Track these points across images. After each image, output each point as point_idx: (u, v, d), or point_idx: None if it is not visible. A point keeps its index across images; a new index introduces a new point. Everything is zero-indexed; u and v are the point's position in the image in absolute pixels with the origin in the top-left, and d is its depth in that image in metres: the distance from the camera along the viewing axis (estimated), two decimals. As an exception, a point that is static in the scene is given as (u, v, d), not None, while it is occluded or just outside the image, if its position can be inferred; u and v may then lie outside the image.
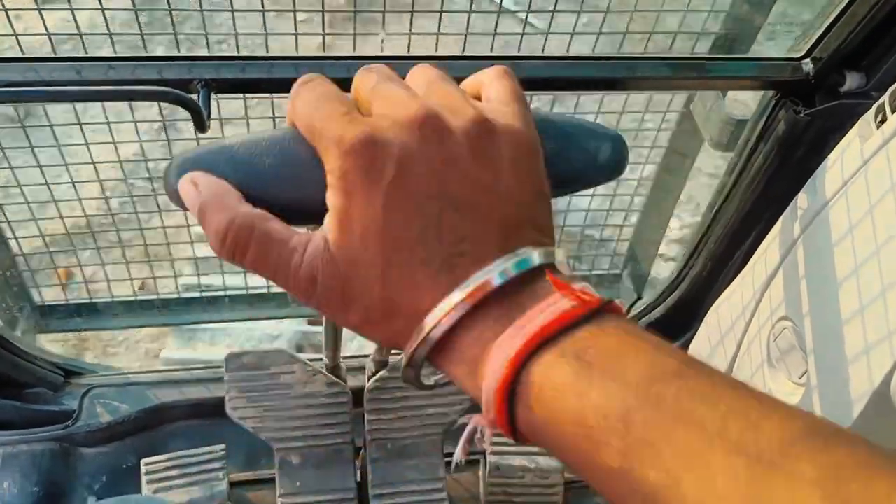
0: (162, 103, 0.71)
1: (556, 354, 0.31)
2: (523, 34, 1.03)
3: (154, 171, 1.28)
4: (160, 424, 1.14)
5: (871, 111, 0.79)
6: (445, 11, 0.95)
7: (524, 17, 1.06)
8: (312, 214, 0.38)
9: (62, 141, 1.12)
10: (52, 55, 0.80)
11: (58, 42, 0.99)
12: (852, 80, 0.89)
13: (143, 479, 1.00)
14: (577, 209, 1.37)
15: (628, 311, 1.29)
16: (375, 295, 0.34)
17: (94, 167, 1.15)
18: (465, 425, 0.37)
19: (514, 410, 0.32)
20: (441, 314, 0.33)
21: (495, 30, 1.01)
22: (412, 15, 0.96)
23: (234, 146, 0.38)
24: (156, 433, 1.14)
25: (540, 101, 1.29)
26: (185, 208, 0.38)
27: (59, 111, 1.19)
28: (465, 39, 0.99)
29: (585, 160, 0.44)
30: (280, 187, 0.38)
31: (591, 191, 1.30)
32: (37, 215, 1.22)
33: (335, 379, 1.05)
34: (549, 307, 0.32)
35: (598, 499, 1.17)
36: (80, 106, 1.09)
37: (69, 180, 1.18)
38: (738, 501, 0.26)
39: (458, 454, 0.39)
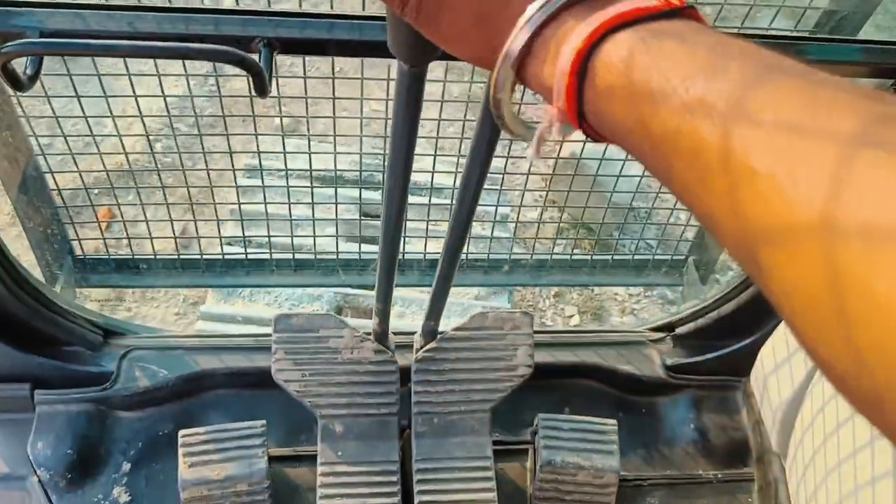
0: (223, 62, 0.64)
1: (628, 33, 0.31)
2: None
3: (199, 112, 1.21)
4: (199, 392, 1.11)
5: None
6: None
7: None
8: None
9: (105, 79, 1.07)
10: (102, 2, 0.74)
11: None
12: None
13: (180, 451, 0.96)
14: (646, 190, 1.28)
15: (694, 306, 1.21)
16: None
17: (139, 109, 1.09)
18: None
19: (582, 92, 0.32)
20: (531, 13, 0.33)
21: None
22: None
23: None
24: (194, 401, 1.10)
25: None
26: None
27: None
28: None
29: None
30: None
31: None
32: (79, 158, 1.17)
33: (383, 347, 1.00)
34: (631, 3, 0.32)
35: (651, 499, 1.12)
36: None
37: (113, 123, 1.12)
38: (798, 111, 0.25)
39: (531, 154, 0.38)
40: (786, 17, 0.98)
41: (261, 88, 0.66)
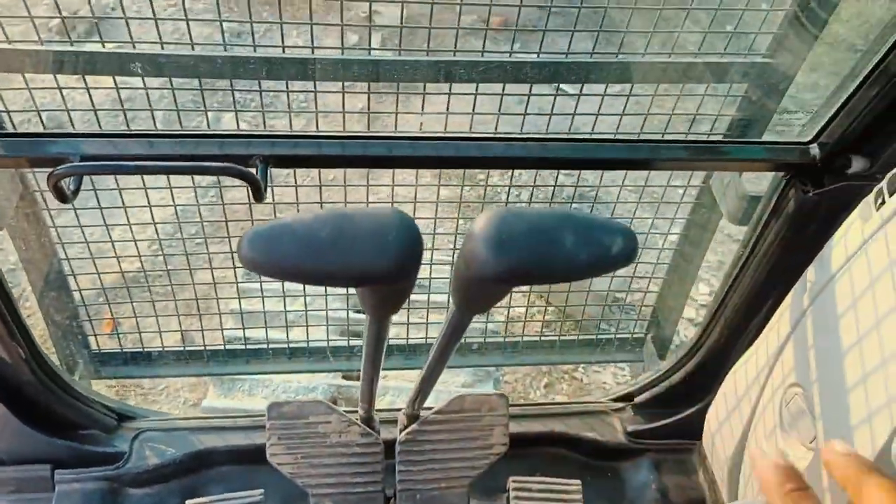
0: (225, 176, 0.80)
1: None
2: (551, 115, 1.12)
3: (208, 231, 1.38)
4: (203, 468, 1.22)
5: (872, 194, 0.85)
6: (481, 94, 1.04)
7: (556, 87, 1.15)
8: (362, 277, 0.47)
9: (115, 193, 1.23)
10: (126, 131, 0.91)
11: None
12: (858, 164, 0.95)
13: (187, 519, 1.07)
14: (603, 275, 1.43)
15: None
16: None
17: (153, 217, 1.25)
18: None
19: None
20: None
21: (525, 109, 1.10)
22: (450, 97, 1.05)
23: (294, 223, 0.47)
24: (199, 476, 1.21)
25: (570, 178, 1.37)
26: (257, 273, 0.47)
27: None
28: (498, 119, 1.07)
29: (601, 252, 0.53)
30: (335, 255, 0.47)
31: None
32: (99, 271, 1.32)
33: (369, 430, 1.11)
34: None
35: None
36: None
37: (130, 230, 1.28)
38: None
39: None
40: (700, 123, 1.16)
41: (257, 196, 0.81)
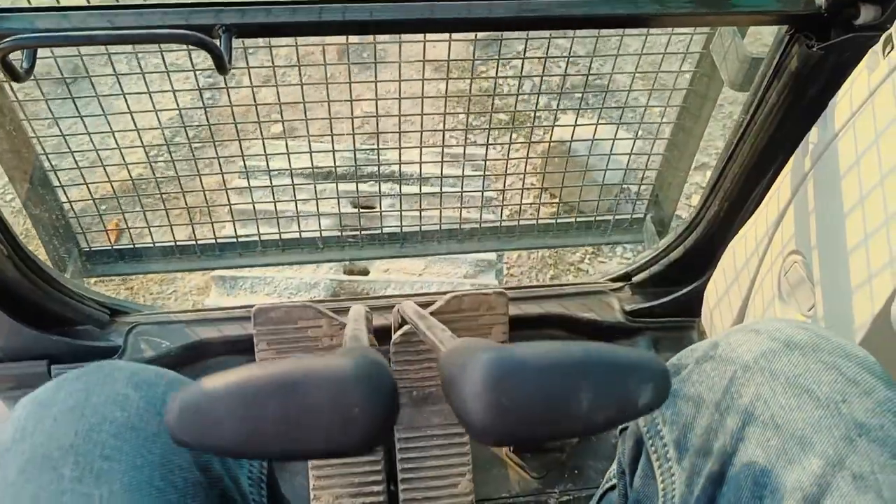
0: (195, 48, 0.75)
1: None
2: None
3: (192, 124, 1.33)
4: (200, 359, 1.22)
5: (880, 42, 0.79)
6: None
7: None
8: (320, 455, 0.40)
9: (105, 105, 1.18)
10: (84, 4, 0.85)
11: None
12: (867, 13, 0.88)
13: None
14: (600, 153, 1.38)
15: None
16: None
17: (134, 123, 1.21)
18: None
19: None
20: None
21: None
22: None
23: (233, 393, 0.38)
24: (195, 367, 1.21)
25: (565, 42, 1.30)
26: (188, 447, 0.39)
27: (99, 68, 1.24)
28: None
29: (624, 406, 0.41)
30: (285, 434, 0.39)
31: (612, 134, 1.32)
32: (84, 172, 1.29)
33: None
34: None
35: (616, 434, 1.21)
36: (120, 63, 1.14)
37: (114, 138, 1.24)
38: None
39: None
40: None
41: (220, 68, 0.77)
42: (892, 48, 0.77)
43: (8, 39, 0.71)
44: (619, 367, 0.41)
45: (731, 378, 0.54)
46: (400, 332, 1.09)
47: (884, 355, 0.79)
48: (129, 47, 1.66)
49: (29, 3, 1.04)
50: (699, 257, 1.20)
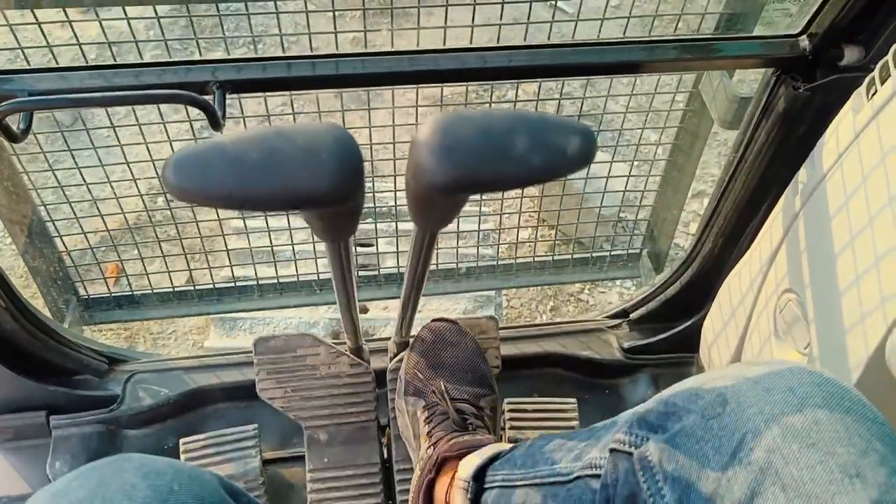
0: (189, 106, 0.76)
1: None
2: (528, 23, 1.06)
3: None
4: (198, 407, 1.21)
5: (864, 84, 0.81)
6: (451, 5, 0.99)
7: (554, 4, 1.09)
8: (298, 201, 0.44)
9: (102, 154, 1.19)
10: (84, 64, 0.86)
11: (89, 51, 1.06)
12: (851, 54, 0.90)
13: (182, 456, 1.07)
14: (595, 191, 1.39)
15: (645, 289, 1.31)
16: None
17: (130, 170, 1.22)
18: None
19: None
20: None
21: (500, 18, 1.05)
22: (419, 12, 1.00)
23: (222, 144, 0.43)
24: (194, 415, 1.21)
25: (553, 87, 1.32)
26: (186, 202, 0.43)
27: (96, 119, 1.25)
28: (472, 31, 1.02)
29: (556, 153, 0.48)
30: (266, 178, 0.43)
31: (608, 173, 1.33)
32: (81, 220, 1.30)
33: (358, 360, 1.10)
34: None
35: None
36: (116, 115, 1.15)
37: (110, 186, 1.25)
38: None
39: None
40: (686, 23, 1.10)
41: (214, 124, 0.78)
42: (876, 91, 0.78)
43: (6, 103, 0.72)
44: (549, 122, 0.50)
45: (741, 442, 0.53)
46: (396, 358, 1.09)
47: (879, 393, 0.79)
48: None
49: (28, 63, 1.06)
50: (696, 293, 1.21)
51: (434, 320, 1.09)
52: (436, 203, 0.51)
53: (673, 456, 0.57)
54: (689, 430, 0.57)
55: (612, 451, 0.65)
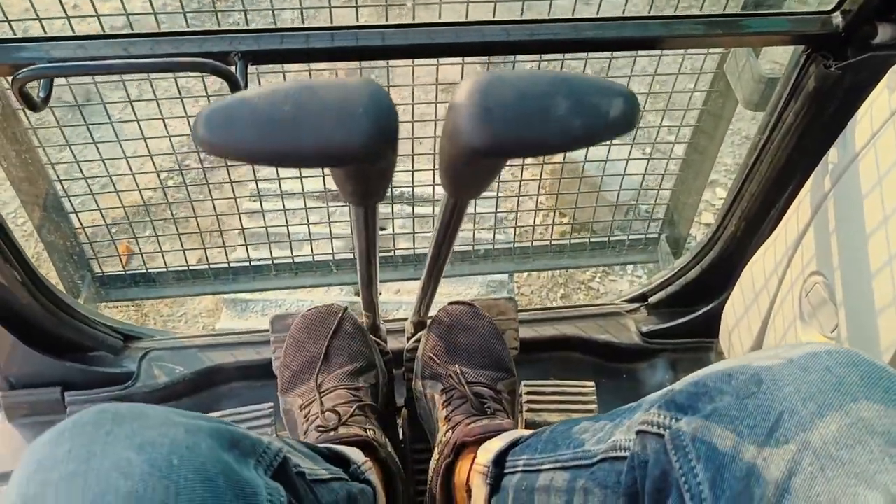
0: (207, 77, 0.75)
1: None
2: (552, -1, 1.04)
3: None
4: (213, 385, 1.21)
5: (900, 61, 0.79)
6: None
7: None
8: (329, 157, 0.42)
9: (119, 130, 1.18)
10: (100, 34, 0.85)
11: (110, 23, 1.04)
12: (885, 32, 0.88)
13: (198, 434, 1.06)
14: (614, 173, 1.38)
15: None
16: None
17: (147, 146, 1.21)
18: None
19: None
20: None
21: (525, -5, 1.03)
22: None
23: (255, 98, 0.42)
24: (209, 393, 1.20)
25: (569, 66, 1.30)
26: (216, 156, 0.42)
27: (112, 92, 1.24)
28: (495, 7, 1.00)
29: (597, 116, 0.47)
30: (298, 132, 0.42)
31: (627, 155, 1.31)
32: (97, 196, 1.29)
33: (375, 339, 1.09)
34: None
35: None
36: (133, 90, 1.14)
37: (126, 163, 1.24)
38: None
39: None
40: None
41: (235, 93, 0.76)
42: (914, 68, 0.76)
43: (25, 70, 0.71)
44: (591, 83, 0.47)
45: (777, 421, 0.52)
46: (413, 339, 1.08)
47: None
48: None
49: (44, 31, 1.05)
50: (716, 277, 1.19)
51: (451, 303, 1.07)
52: (471, 168, 0.50)
53: (706, 435, 0.56)
54: (723, 411, 0.56)
55: (639, 432, 0.64)
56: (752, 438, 0.52)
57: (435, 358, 1.01)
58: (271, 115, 0.42)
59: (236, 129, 0.42)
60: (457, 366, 0.99)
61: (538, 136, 0.45)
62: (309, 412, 0.94)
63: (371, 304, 0.96)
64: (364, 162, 0.44)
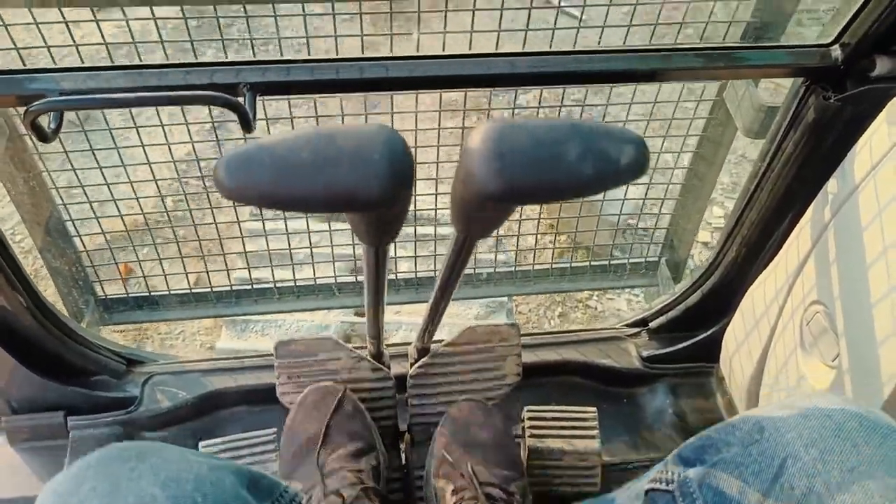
0: (212, 105, 0.76)
1: None
2: (554, 29, 1.06)
3: (206, 170, 1.34)
4: (216, 410, 1.21)
5: (899, 95, 0.80)
6: (478, 10, 0.99)
7: (556, 12, 1.09)
8: (347, 203, 0.43)
9: (120, 145, 1.19)
10: (110, 63, 0.86)
11: (113, 49, 1.06)
12: (882, 65, 0.89)
13: (201, 460, 1.06)
14: (614, 198, 1.39)
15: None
16: None
17: (150, 168, 1.22)
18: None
19: None
20: None
21: (527, 25, 1.05)
22: (446, 14, 0.99)
23: (274, 144, 0.43)
24: (211, 418, 1.20)
25: (574, 95, 1.32)
26: (235, 200, 0.43)
27: (116, 116, 1.25)
28: (498, 36, 1.02)
29: (609, 162, 0.48)
30: (316, 179, 0.43)
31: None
32: (98, 215, 1.30)
33: (379, 365, 1.09)
34: None
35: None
36: (135, 111, 1.15)
37: (128, 182, 1.25)
38: None
39: None
40: (713, 30, 1.10)
41: (245, 126, 0.77)
42: (912, 102, 0.77)
43: (38, 103, 0.72)
44: (602, 131, 0.48)
45: (781, 466, 0.53)
46: (417, 365, 1.08)
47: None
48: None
49: (54, 62, 1.06)
50: (717, 302, 1.20)
51: (462, 400, 1.06)
52: (483, 211, 0.51)
53: (713, 481, 0.57)
54: (728, 459, 0.57)
55: (648, 491, 0.65)
56: (757, 484, 0.54)
57: (447, 455, 0.99)
58: (289, 161, 0.43)
59: (255, 175, 0.43)
60: (469, 465, 0.96)
61: (550, 182, 0.46)
62: (311, 497, 0.88)
63: (377, 332, 0.96)
64: (380, 206, 0.45)
